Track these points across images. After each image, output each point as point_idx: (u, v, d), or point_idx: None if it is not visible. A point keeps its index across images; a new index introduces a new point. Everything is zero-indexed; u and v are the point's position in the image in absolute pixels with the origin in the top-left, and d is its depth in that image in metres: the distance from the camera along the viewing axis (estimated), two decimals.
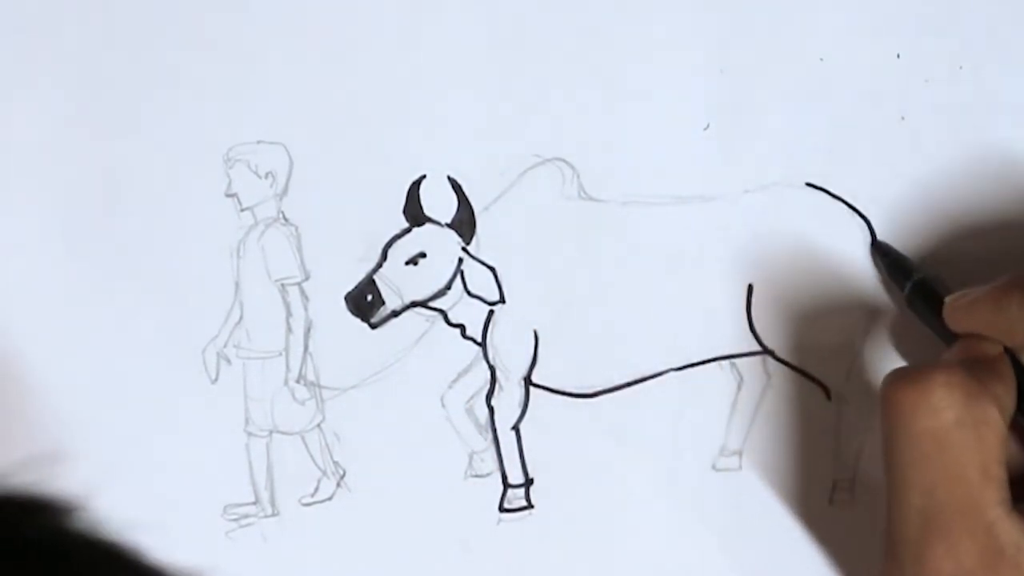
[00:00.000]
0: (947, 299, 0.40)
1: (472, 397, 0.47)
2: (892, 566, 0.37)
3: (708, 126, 0.46)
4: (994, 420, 0.35)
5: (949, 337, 0.40)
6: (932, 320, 0.41)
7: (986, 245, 0.45)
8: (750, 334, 0.46)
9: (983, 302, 0.38)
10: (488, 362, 0.47)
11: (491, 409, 0.47)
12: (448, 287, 0.46)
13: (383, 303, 0.46)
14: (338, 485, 0.47)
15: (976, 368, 0.36)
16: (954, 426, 0.34)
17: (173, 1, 0.47)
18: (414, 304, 0.46)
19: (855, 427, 0.46)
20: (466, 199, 0.46)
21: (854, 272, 0.46)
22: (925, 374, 0.35)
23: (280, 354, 0.47)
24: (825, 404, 0.46)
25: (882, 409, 0.36)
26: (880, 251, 0.45)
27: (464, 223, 0.46)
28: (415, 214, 0.46)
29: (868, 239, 0.46)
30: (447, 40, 0.47)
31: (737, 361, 0.46)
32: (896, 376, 0.36)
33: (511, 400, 0.47)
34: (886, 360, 0.46)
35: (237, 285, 0.47)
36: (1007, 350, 0.38)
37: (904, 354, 0.46)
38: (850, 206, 0.46)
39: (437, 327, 0.47)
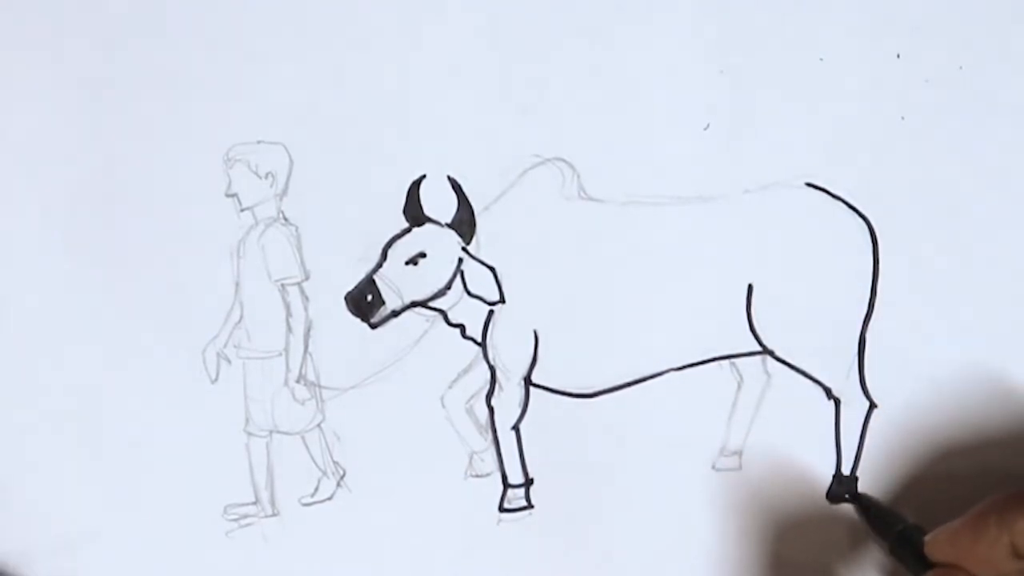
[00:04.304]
0: (927, 537, 0.41)
1: (472, 397, 0.47)
2: None
3: (708, 126, 0.46)
4: None
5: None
6: (916, 567, 0.41)
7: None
8: (750, 334, 0.46)
9: (962, 532, 0.39)
10: (488, 362, 0.47)
11: (491, 409, 0.47)
12: (448, 287, 0.46)
13: (383, 303, 0.46)
14: (338, 485, 0.47)
15: None
16: None
17: (173, 1, 0.47)
18: (414, 304, 0.46)
19: (855, 427, 0.46)
20: (466, 199, 0.46)
21: (854, 272, 0.46)
22: None
23: (280, 354, 0.47)
24: (825, 404, 0.46)
25: None
26: (862, 505, 0.46)
27: (464, 223, 0.46)
28: (415, 214, 0.46)
29: (869, 242, 0.46)
30: (447, 40, 0.47)
31: (737, 361, 0.46)
32: None
33: (511, 400, 0.47)
34: (886, 360, 0.46)
35: (237, 285, 0.47)
36: None
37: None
38: (850, 206, 0.46)
39: (437, 327, 0.47)
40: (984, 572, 0.39)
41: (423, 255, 0.46)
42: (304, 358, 0.47)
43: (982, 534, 0.38)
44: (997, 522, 0.38)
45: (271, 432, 0.47)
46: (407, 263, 0.46)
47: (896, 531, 0.43)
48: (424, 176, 0.46)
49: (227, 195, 0.47)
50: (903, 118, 0.46)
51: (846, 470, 0.46)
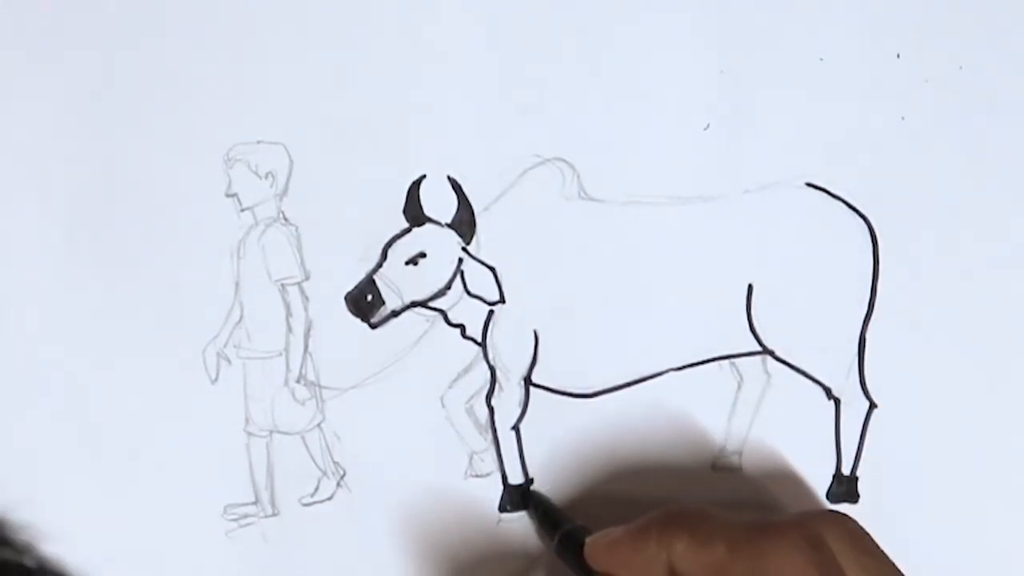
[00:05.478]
0: (587, 540, 0.41)
1: (472, 397, 0.47)
2: None
3: (708, 126, 0.46)
4: None
5: None
6: (578, 570, 0.41)
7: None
8: (750, 334, 0.46)
9: (622, 542, 0.39)
10: (488, 362, 0.47)
11: (491, 409, 0.47)
12: (448, 287, 0.46)
13: (383, 303, 0.46)
14: (338, 485, 0.47)
15: None
16: None
17: (173, 2, 0.47)
18: (414, 304, 0.46)
19: (855, 427, 0.46)
20: (466, 199, 0.46)
21: (854, 272, 0.46)
22: None
23: (280, 354, 0.47)
24: (825, 404, 0.46)
25: None
26: (532, 501, 0.46)
27: (464, 223, 0.46)
28: (415, 214, 0.46)
29: (869, 242, 0.46)
30: (447, 40, 0.47)
31: (737, 361, 0.46)
32: None
33: (511, 400, 0.47)
34: (886, 360, 0.46)
35: (237, 285, 0.47)
36: None
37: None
38: (850, 206, 0.46)
39: (437, 327, 0.47)
40: None
41: (423, 255, 0.46)
42: (304, 358, 0.47)
43: (641, 548, 0.38)
44: (657, 539, 0.38)
45: (271, 432, 0.47)
46: (407, 263, 0.46)
47: (562, 531, 0.43)
48: (424, 176, 0.46)
49: (227, 195, 0.47)
50: (903, 118, 0.46)
51: (846, 470, 0.46)
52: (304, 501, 0.47)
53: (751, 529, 0.36)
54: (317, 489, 0.47)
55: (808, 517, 0.38)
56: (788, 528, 0.36)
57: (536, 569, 0.46)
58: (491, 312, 0.46)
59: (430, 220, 0.46)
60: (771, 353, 0.46)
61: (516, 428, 0.46)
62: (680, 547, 0.37)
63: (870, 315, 0.46)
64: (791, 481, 0.46)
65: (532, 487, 0.46)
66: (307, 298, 0.47)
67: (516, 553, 0.46)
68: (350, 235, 0.47)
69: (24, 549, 0.34)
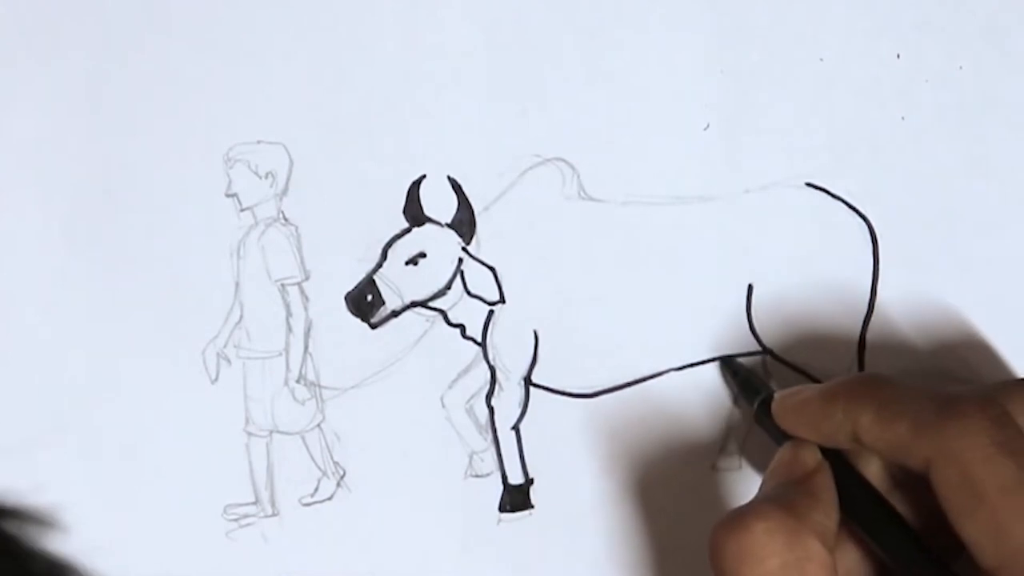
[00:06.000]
0: (776, 396, 0.40)
1: (472, 397, 0.47)
2: None
3: (708, 126, 0.46)
4: (817, 553, 0.35)
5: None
6: (777, 435, 0.41)
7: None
8: (750, 334, 0.46)
9: (810, 406, 0.39)
10: (488, 362, 0.47)
11: (491, 409, 0.47)
12: (448, 287, 0.46)
13: (383, 303, 0.46)
14: (338, 485, 0.47)
15: (793, 498, 0.37)
16: (779, 570, 0.35)
17: (173, 1, 0.47)
18: (414, 304, 0.46)
19: None
20: (466, 199, 0.46)
21: (854, 272, 0.46)
22: (745, 523, 0.35)
23: (280, 354, 0.47)
24: None
25: (711, 559, 0.36)
26: (730, 368, 0.45)
27: (464, 223, 0.46)
28: (415, 214, 0.46)
29: (869, 242, 0.46)
30: (447, 40, 0.47)
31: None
32: (720, 525, 0.36)
33: (511, 400, 0.47)
34: (886, 360, 0.46)
35: (237, 285, 0.47)
36: (830, 452, 0.38)
37: (755, 465, 0.46)
38: (850, 206, 0.46)
39: (437, 327, 0.47)
40: (828, 445, 0.38)
41: (423, 255, 0.46)
42: (304, 358, 0.47)
43: (829, 415, 0.38)
44: (844, 408, 0.37)
45: (271, 432, 0.47)
46: (407, 263, 0.46)
47: (761, 397, 0.42)
48: (424, 176, 0.46)
49: (227, 195, 0.47)
50: (903, 118, 0.46)
51: None
52: (304, 501, 0.47)
53: (938, 407, 0.36)
54: (317, 489, 0.47)
55: (996, 390, 0.37)
56: (973, 407, 0.35)
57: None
58: (491, 312, 0.46)
59: (430, 220, 0.46)
60: (771, 353, 0.46)
61: (516, 428, 0.46)
62: (865, 420, 0.37)
63: (870, 315, 0.46)
64: None
65: (727, 360, 0.46)
66: (307, 298, 0.47)
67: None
68: (350, 235, 0.47)
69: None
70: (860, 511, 0.38)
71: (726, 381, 0.46)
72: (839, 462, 0.38)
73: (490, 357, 0.47)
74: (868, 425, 0.37)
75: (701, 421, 0.46)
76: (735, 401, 0.46)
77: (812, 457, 0.38)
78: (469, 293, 0.46)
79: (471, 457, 0.47)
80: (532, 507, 0.46)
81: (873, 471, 0.39)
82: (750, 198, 0.46)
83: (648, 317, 0.46)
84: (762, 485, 0.39)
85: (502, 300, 0.46)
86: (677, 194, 0.46)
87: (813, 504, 0.36)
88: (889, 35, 0.46)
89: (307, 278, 0.47)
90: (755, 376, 0.45)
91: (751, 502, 0.37)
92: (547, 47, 0.47)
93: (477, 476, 0.47)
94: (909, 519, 0.38)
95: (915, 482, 0.38)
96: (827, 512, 0.37)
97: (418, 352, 0.47)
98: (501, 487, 0.46)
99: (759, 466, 0.46)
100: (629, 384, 0.46)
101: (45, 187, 0.47)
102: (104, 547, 0.47)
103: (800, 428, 0.39)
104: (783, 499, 0.36)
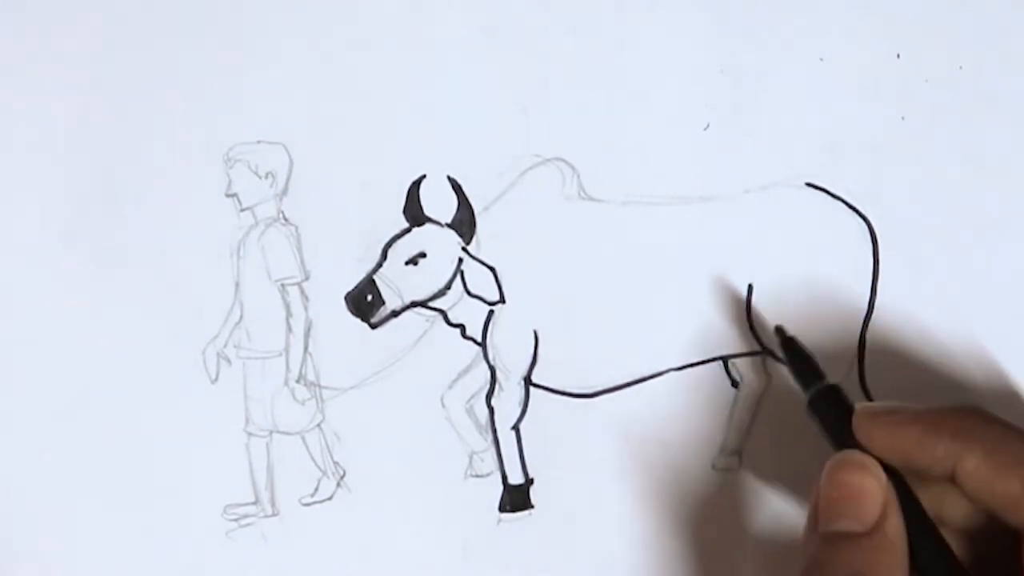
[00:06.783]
0: (859, 407, 0.37)
1: (472, 397, 0.47)
2: None
3: (708, 126, 0.46)
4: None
5: (843, 444, 0.38)
6: (834, 430, 0.38)
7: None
8: (750, 334, 0.46)
9: (908, 431, 0.36)
10: (488, 362, 0.47)
11: (491, 409, 0.47)
12: (448, 287, 0.46)
13: (383, 303, 0.46)
14: (338, 485, 0.47)
15: (872, 565, 0.34)
16: None
17: (174, 2, 0.47)
18: (414, 304, 0.46)
19: None
20: (466, 199, 0.46)
21: (854, 272, 0.46)
22: None
23: (280, 354, 0.47)
24: None
25: None
26: (791, 349, 0.42)
27: (464, 223, 0.46)
28: (415, 214, 0.46)
29: (869, 242, 0.46)
30: (447, 40, 0.47)
31: (737, 361, 0.46)
32: None
33: (511, 400, 0.47)
34: (886, 360, 0.46)
35: (237, 285, 0.47)
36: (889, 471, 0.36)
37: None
38: (850, 206, 0.46)
39: (437, 327, 0.47)
40: (906, 469, 0.36)
41: (423, 255, 0.46)
42: (304, 358, 0.47)
43: (927, 446, 0.35)
44: (949, 444, 0.34)
45: (271, 432, 0.47)
46: (407, 263, 0.46)
47: (820, 386, 0.40)
48: (424, 176, 0.46)
49: (227, 195, 0.47)
50: (903, 118, 0.46)
51: None
52: (304, 501, 0.47)
53: None
54: (317, 489, 0.47)
55: None
56: None
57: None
58: (491, 312, 0.46)
59: (430, 220, 0.46)
60: (771, 353, 0.46)
61: (516, 428, 0.46)
62: (971, 465, 0.34)
63: (870, 315, 0.46)
64: (791, 481, 0.46)
65: (787, 335, 0.42)
66: (307, 298, 0.47)
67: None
68: (350, 235, 0.47)
69: None
70: (916, 545, 0.35)
71: (785, 358, 0.43)
72: (900, 486, 0.36)
73: (490, 357, 0.47)
74: (974, 471, 0.34)
75: (701, 421, 0.46)
76: (793, 378, 0.42)
77: (881, 492, 0.35)
78: (469, 293, 0.46)
79: (471, 457, 0.47)
80: (532, 507, 0.46)
81: (926, 501, 0.36)
82: (750, 198, 0.46)
83: (648, 317, 0.46)
84: (819, 511, 0.36)
85: (502, 300, 0.46)
86: (677, 194, 0.46)
87: (885, 566, 0.34)
88: (889, 35, 0.46)
89: (307, 278, 0.47)
90: (814, 362, 0.42)
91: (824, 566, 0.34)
92: (547, 47, 0.47)
93: (477, 476, 0.47)
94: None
95: (973, 526, 0.36)
96: (898, 569, 0.34)
97: (418, 352, 0.47)
98: (501, 487, 0.46)
99: (759, 466, 0.46)
100: (629, 384, 0.46)
101: (45, 187, 0.47)
102: (104, 547, 0.47)
103: (887, 450, 0.36)
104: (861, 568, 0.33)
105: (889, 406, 0.37)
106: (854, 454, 0.36)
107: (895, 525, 0.35)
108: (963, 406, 0.36)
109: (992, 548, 0.36)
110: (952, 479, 0.35)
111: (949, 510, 0.37)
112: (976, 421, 0.35)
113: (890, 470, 0.36)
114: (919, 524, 0.36)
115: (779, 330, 0.43)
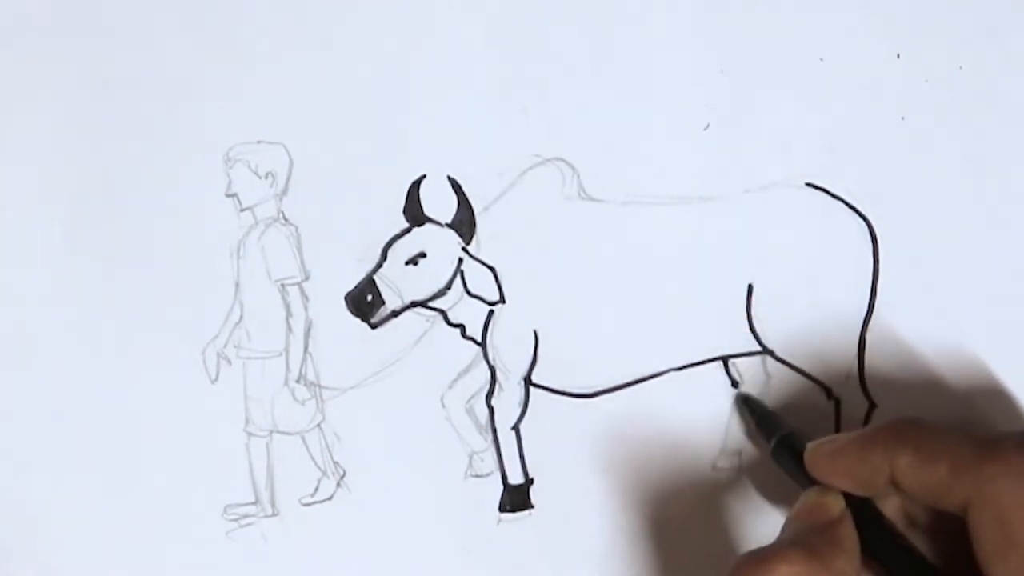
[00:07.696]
0: (809, 446, 0.40)
1: (472, 397, 0.47)
2: None
3: (708, 126, 0.46)
4: None
5: (804, 485, 0.40)
6: (796, 473, 0.41)
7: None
8: (750, 334, 0.46)
9: (846, 451, 0.38)
10: (488, 362, 0.47)
11: (491, 409, 0.47)
12: (448, 287, 0.46)
13: (383, 303, 0.46)
14: (338, 485, 0.47)
15: (817, 544, 0.37)
16: None
17: (173, 2, 0.47)
18: (414, 304, 0.46)
19: (855, 427, 0.46)
20: (466, 199, 0.46)
21: (854, 272, 0.46)
22: (769, 564, 0.35)
23: (280, 354, 0.47)
24: (825, 404, 0.46)
25: None
26: (748, 406, 0.45)
27: (464, 223, 0.46)
28: (415, 214, 0.46)
29: (869, 242, 0.46)
30: (447, 40, 0.47)
31: (737, 361, 0.46)
32: (743, 564, 0.36)
33: (511, 400, 0.47)
34: (886, 360, 0.46)
35: (237, 285, 0.47)
36: (855, 499, 0.38)
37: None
38: (850, 206, 0.46)
39: (437, 327, 0.47)
40: (859, 492, 0.38)
41: (423, 255, 0.46)
42: (304, 358, 0.47)
43: (866, 459, 0.37)
44: (883, 451, 0.37)
45: (271, 432, 0.47)
46: (407, 263, 0.46)
47: (779, 435, 0.43)
48: (424, 176, 0.46)
49: (227, 195, 0.47)
50: (903, 118, 0.46)
51: None
52: (304, 501, 0.47)
53: (976, 449, 0.36)
54: (317, 489, 0.47)
55: None
56: (1012, 452, 0.35)
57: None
58: (491, 312, 0.46)
59: (430, 220, 0.46)
60: (771, 353, 0.46)
61: (516, 428, 0.46)
62: (904, 462, 0.37)
63: (870, 315, 0.46)
64: (791, 481, 0.46)
65: (740, 390, 0.46)
66: (307, 298, 0.47)
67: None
68: (350, 235, 0.47)
69: None
70: (887, 554, 0.37)
71: (742, 416, 0.46)
72: (865, 508, 0.38)
73: (490, 357, 0.47)
74: (906, 467, 0.36)
75: (701, 421, 0.46)
76: (750, 436, 0.46)
77: (836, 505, 0.38)
78: (469, 293, 0.46)
79: (471, 457, 0.47)
80: (532, 507, 0.46)
81: (890, 511, 0.39)
82: (750, 198, 0.46)
83: (648, 317, 0.46)
84: (785, 527, 0.39)
85: (502, 300, 0.46)
86: (677, 194, 0.46)
87: (837, 552, 0.36)
88: (889, 35, 0.46)
89: (307, 278, 0.47)
90: (773, 415, 0.45)
91: (775, 544, 0.37)
92: (547, 47, 0.47)
93: (477, 476, 0.47)
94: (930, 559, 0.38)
95: (936, 524, 0.38)
96: (850, 560, 0.37)
97: (418, 352, 0.47)
98: (501, 487, 0.46)
99: (759, 466, 0.46)
100: (629, 384, 0.46)
101: (46, 187, 0.47)
102: (105, 546, 0.47)
103: (834, 476, 0.39)
104: (807, 544, 0.36)
105: (831, 437, 0.40)
106: (812, 489, 0.39)
107: (849, 527, 0.38)
108: (897, 418, 0.38)
109: (960, 542, 0.37)
110: (895, 484, 0.37)
111: (915, 513, 0.40)
112: (905, 425, 0.38)
113: (854, 499, 0.38)
114: (888, 538, 0.38)
115: (737, 392, 0.46)
